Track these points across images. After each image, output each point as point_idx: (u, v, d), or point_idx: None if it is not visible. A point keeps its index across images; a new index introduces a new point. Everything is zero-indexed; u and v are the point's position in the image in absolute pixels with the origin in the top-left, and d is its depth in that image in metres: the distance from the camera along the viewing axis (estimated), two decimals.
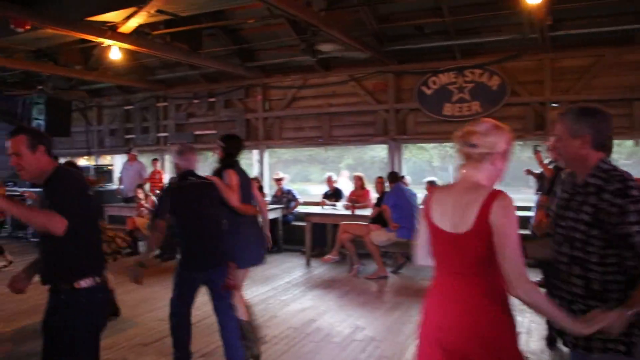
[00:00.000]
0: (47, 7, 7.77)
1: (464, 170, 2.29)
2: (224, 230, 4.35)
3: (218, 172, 4.65)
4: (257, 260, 4.89)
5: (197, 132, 11.92)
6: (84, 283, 2.89)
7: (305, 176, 18.65)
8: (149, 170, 11.54)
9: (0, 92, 12.28)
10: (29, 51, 9.96)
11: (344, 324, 5.79)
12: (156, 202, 10.27)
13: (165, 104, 12.42)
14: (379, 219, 8.04)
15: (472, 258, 2.18)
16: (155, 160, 11.76)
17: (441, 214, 2.29)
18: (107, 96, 13.33)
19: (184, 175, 4.30)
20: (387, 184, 8.47)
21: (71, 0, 7.77)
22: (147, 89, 12.28)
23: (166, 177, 11.55)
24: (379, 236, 7.87)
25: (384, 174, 8.95)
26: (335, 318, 6.01)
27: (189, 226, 4.23)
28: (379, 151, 11.84)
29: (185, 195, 4.22)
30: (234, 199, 4.42)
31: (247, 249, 4.69)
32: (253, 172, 10.83)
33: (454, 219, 2.22)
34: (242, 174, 4.78)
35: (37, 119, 11.89)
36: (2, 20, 8.15)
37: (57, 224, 2.71)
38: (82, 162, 12.98)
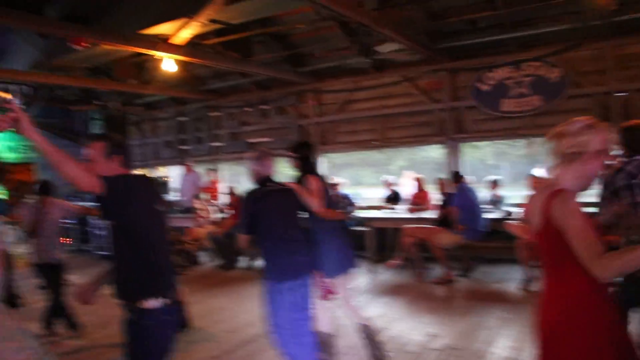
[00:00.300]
0: (101, 23, 7.92)
1: (555, 171, 2.25)
2: (309, 237, 4.24)
3: (299, 180, 4.56)
4: (348, 267, 4.79)
5: (251, 140, 11.92)
6: (151, 304, 2.82)
7: (358, 180, 18.47)
8: (205, 180, 11.60)
9: (60, 109, 12.58)
10: (86, 68, 10.18)
11: (417, 331, 5.61)
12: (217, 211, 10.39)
13: (218, 113, 12.48)
14: (442, 221, 7.83)
15: (547, 257, 2.25)
16: (210, 170, 11.82)
17: (531, 215, 2.32)
18: (161, 108, 13.49)
19: (263, 182, 4.20)
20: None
21: (124, 16, 7.90)
22: (199, 99, 12.36)
23: (222, 187, 11.58)
24: (445, 239, 7.65)
25: (440, 175, 8.74)
26: (407, 325, 5.85)
27: (271, 235, 4.12)
28: (431, 151, 11.56)
29: (266, 203, 4.11)
30: (316, 204, 4.28)
31: (336, 256, 4.59)
32: None
33: (534, 219, 2.26)
34: (322, 179, 4.69)
35: (96, 134, 12.10)
36: (61, 39, 8.35)
37: (87, 179, 2.60)
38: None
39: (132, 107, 13.22)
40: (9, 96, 7.38)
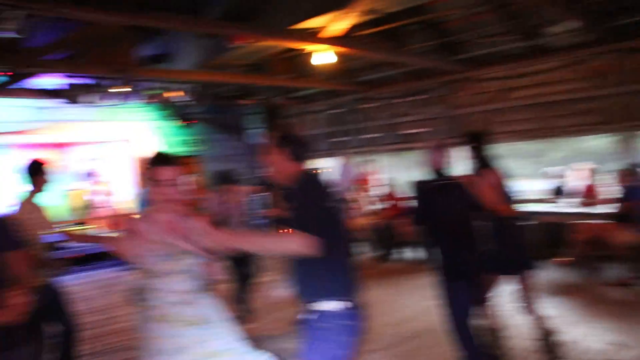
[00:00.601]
0: (257, 21, 8.16)
1: None
2: (480, 235, 4.02)
3: (476, 172, 4.35)
4: (522, 267, 4.52)
5: (404, 132, 11.74)
6: (330, 306, 2.73)
7: (511, 171, 17.66)
8: (361, 171, 11.60)
9: (219, 105, 13.22)
10: (243, 65, 10.57)
11: (596, 338, 5.14)
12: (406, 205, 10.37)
13: (371, 105, 12.43)
14: (622, 217, 7.12)
15: None
16: (366, 161, 11.80)
17: None
18: (315, 101, 13.71)
19: (436, 174, 4.04)
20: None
21: (279, 11, 8.07)
22: (353, 91, 12.37)
23: (377, 178, 11.51)
24: (625, 237, 6.95)
25: (609, 167, 8.10)
26: (583, 330, 5.37)
27: (441, 231, 3.96)
28: (593, 141, 10.63)
29: (437, 196, 3.95)
30: (491, 200, 4.05)
31: (509, 255, 4.34)
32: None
33: None
34: (498, 173, 4.44)
35: (252, 128, 12.61)
36: (220, 38, 8.75)
37: (305, 244, 2.54)
38: None
39: (287, 101, 13.56)
40: (181, 94, 7.97)
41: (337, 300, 2.74)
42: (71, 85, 9.65)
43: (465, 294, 3.90)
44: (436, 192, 4.00)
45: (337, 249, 2.78)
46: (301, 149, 2.91)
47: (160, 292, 2.89)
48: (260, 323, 6.20)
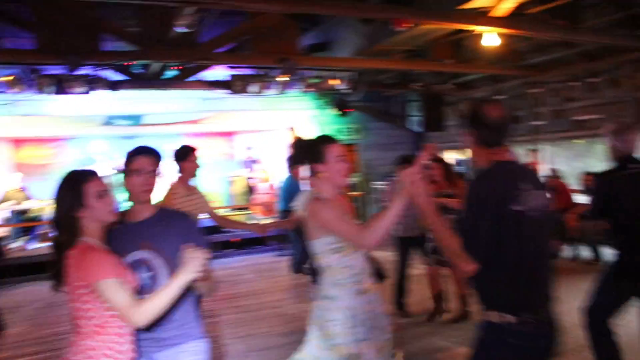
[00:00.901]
0: (420, 3, 7.89)
1: None
2: None
3: None
4: None
5: (576, 118, 10.77)
6: (494, 317, 2.33)
7: None
8: (525, 162, 10.91)
9: (379, 92, 13.12)
10: (404, 51, 10.33)
11: None
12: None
13: (537, 89, 11.60)
14: None
15: None
16: (531, 150, 11.09)
17: None
18: (476, 88, 13.11)
19: (622, 161, 3.56)
20: None
21: None
22: (518, 75, 11.62)
23: (543, 168, 10.76)
24: None
25: None
26: None
27: (627, 227, 3.50)
28: None
29: (624, 187, 3.48)
30: None
31: None
32: None
33: None
34: None
35: (413, 115, 12.30)
36: (382, 23, 8.59)
37: (463, 264, 2.31)
38: (454, 156, 12.86)
39: (447, 87, 13.11)
40: (338, 82, 7.95)
41: (506, 313, 2.32)
42: (234, 76, 10.02)
43: (619, 295, 3.59)
44: (622, 182, 3.52)
45: (515, 259, 2.32)
46: (493, 132, 2.45)
47: (356, 267, 2.90)
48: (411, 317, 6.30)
